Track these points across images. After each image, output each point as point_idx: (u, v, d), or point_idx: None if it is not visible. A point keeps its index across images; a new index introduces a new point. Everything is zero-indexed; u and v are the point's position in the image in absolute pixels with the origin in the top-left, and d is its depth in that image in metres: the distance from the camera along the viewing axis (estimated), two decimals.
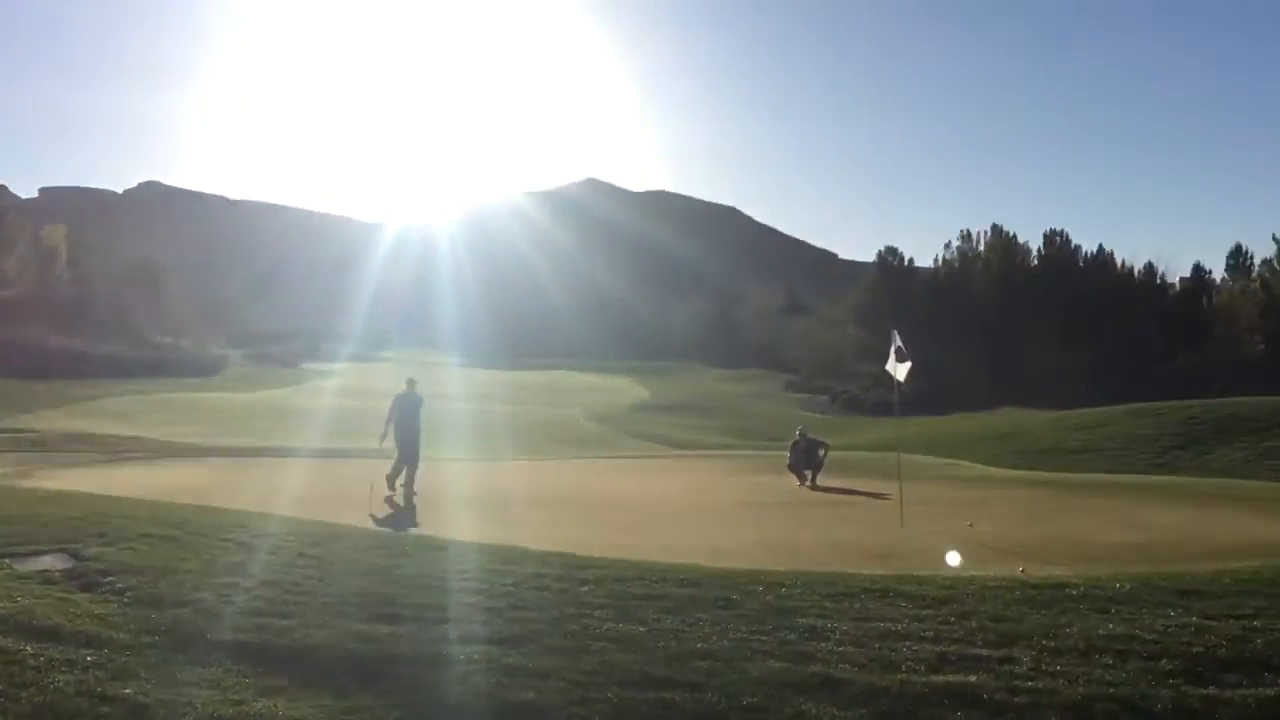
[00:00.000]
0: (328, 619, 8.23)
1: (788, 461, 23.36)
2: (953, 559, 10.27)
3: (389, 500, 17.88)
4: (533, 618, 8.34)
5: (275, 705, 6.57)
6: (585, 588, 9.39)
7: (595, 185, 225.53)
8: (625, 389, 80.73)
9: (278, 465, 25.29)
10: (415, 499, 18.23)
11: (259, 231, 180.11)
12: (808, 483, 22.25)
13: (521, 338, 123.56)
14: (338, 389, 64.89)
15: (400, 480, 18.86)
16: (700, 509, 17.69)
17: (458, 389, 65.76)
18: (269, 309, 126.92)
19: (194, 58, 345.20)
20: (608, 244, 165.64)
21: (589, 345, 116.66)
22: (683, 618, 8.40)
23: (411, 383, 20.09)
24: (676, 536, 14.43)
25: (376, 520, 15.40)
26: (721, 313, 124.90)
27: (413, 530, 13.20)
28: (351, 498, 18.18)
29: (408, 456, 19.08)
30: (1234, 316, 74.67)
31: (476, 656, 7.40)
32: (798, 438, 23.67)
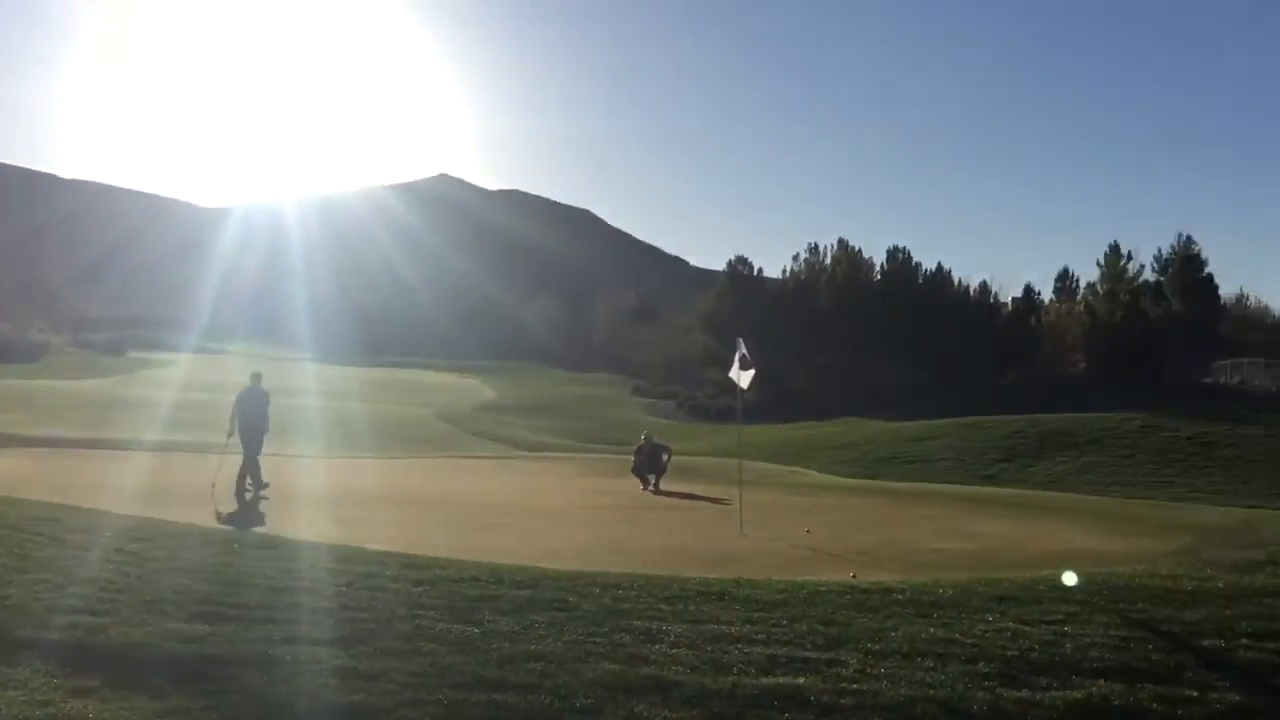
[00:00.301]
0: (145, 618, 7.89)
1: (632, 465, 23.51)
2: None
3: (240, 498, 17.22)
4: (364, 618, 8.16)
5: (86, 707, 6.26)
6: (420, 588, 9.25)
7: (449, 181, 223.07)
8: (475, 389, 79.92)
9: (104, 457, 24.17)
10: (263, 496, 17.63)
11: (92, 214, 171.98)
12: (651, 487, 22.43)
13: (377, 334, 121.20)
14: (178, 381, 62.40)
15: (249, 480, 18.19)
16: (542, 510, 17.65)
17: (309, 385, 64.08)
18: (102, 295, 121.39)
19: (22, 29, 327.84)
20: (463, 240, 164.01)
21: (446, 343, 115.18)
22: (518, 619, 8.35)
23: (257, 377, 19.29)
24: (516, 538, 14.36)
25: (219, 517, 14.88)
26: (573, 314, 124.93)
27: (247, 528, 12.77)
28: (181, 493, 17.52)
29: (252, 453, 18.41)
30: (1060, 336, 78.44)
31: (303, 657, 7.20)
32: (642, 441, 23.83)
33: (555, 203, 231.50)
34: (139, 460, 23.80)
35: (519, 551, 12.83)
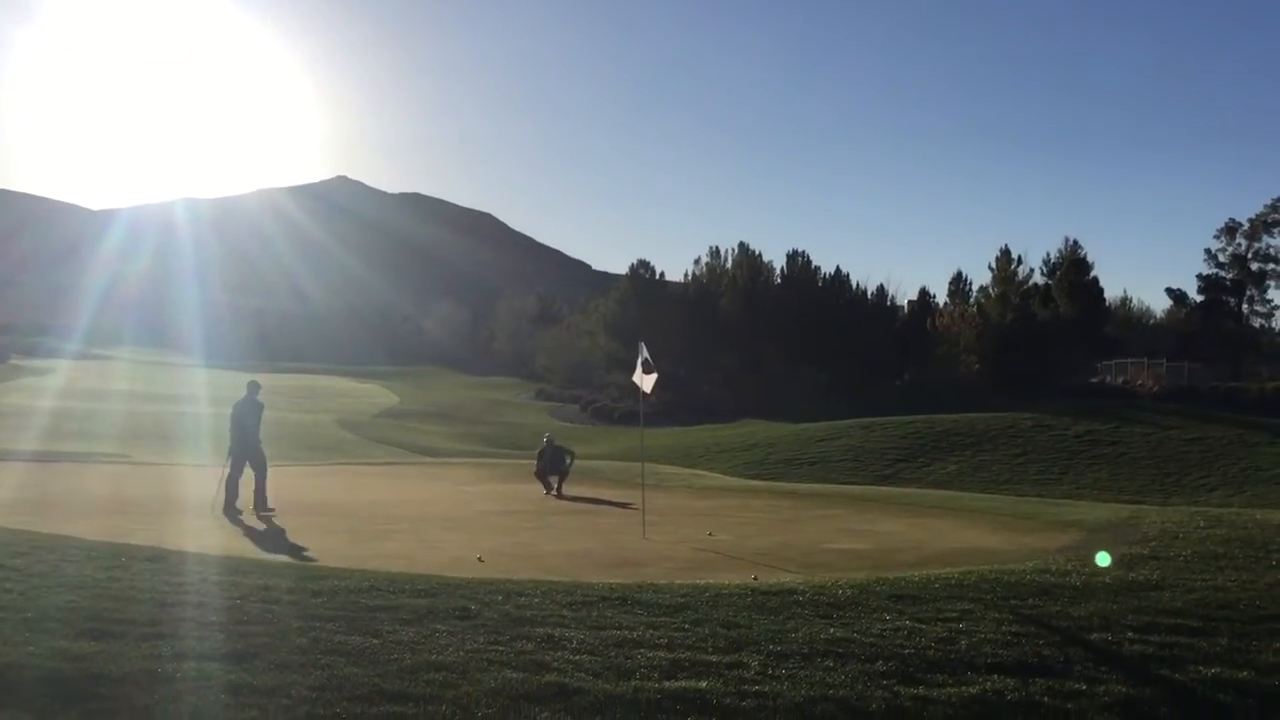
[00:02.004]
0: (27, 635, 7.59)
1: (535, 469, 23.43)
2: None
3: (266, 517, 16.75)
4: (258, 631, 7.97)
5: None
6: (318, 599, 9.07)
7: (347, 184, 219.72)
8: (376, 395, 78.88)
9: None
10: (266, 511, 17.23)
11: None
12: (554, 491, 22.38)
13: (273, 339, 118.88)
14: (59, 388, 60.39)
15: (227, 497, 17.71)
16: (444, 517, 17.46)
17: (203, 392, 62.47)
18: None
19: None
20: (362, 244, 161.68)
21: (344, 348, 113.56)
22: (419, 629, 8.24)
23: (253, 386, 18.71)
24: (417, 546, 14.20)
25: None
26: (475, 319, 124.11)
27: (131, 541, 12.38)
28: (63, 505, 16.95)
29: (257, 464, 18.01)
30: (954, 338, 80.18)
31: (194, 674, 6.99)
32: (544, 445, 23.77)
33: (456, 206, 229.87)
34: (18, 472, 22.94)
35: (419, 559, 12.68)
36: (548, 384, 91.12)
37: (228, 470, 18.03)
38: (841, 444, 43.93)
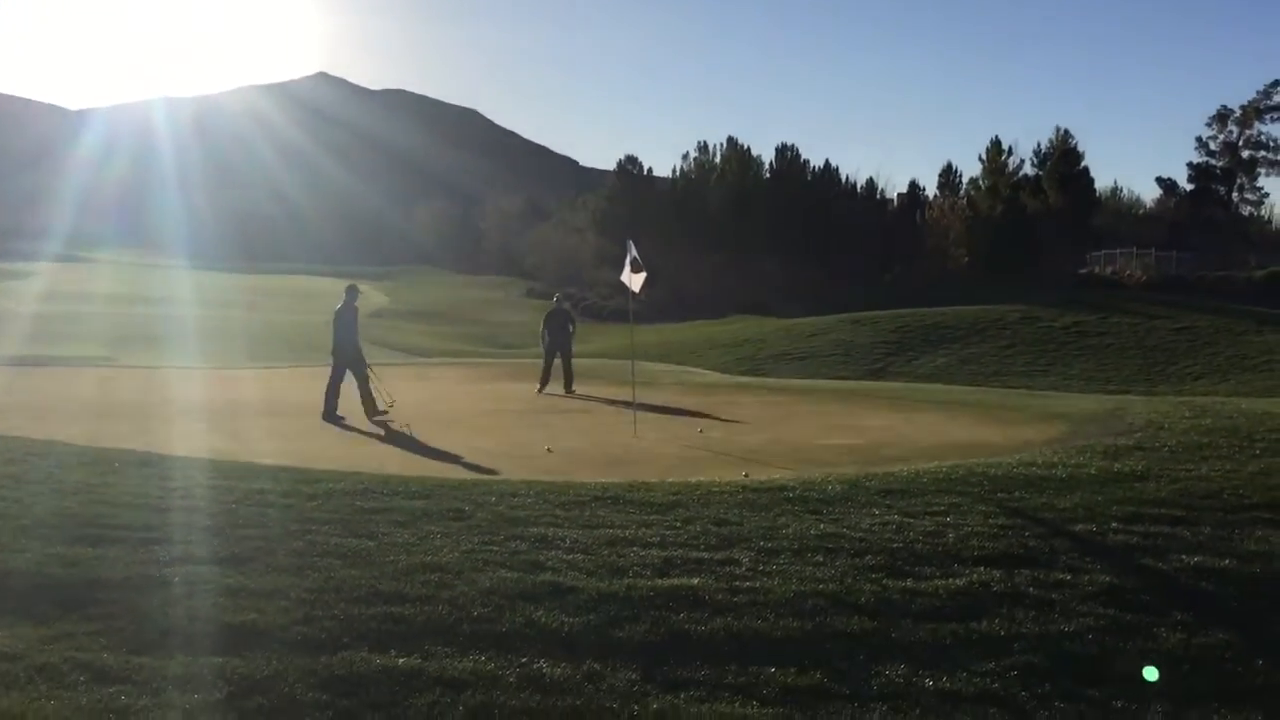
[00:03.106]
0: (24, 542, 7.66)
1: (541, 338, 23.11)
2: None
3: (378, 421, 16.85)
4: (255, 535, 8.05)
5: None
6: (313, 503, 9.15)
7: (328, 80, 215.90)
8: (366, 295, 78.55)
9: None
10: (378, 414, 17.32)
11: None
12: (545, 388, 22.33)
13: (254, 240, 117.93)
14: (40, 292, 59.96)
15: (376, 399, 17.76)
16: (437, 418, 17.54)
17: (188, 293, 62.19)
18: None
19: None
20: (343, 143, 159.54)
21: (325, 250, 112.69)
22: (413, 530, 8.33)
23: (352, 291, 18.48)
24: (411, 446, 14.28)
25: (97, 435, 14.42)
26: (463, 217, 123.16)
27: (124, 445, 12.42)
28: (51, 409, 16.97)
29: (358, 370, 17.91)
30: (944, 231, 79.87)
31: (192, 578, 7.08)
32: (554, 304, 23.59)
33: (440, 102, 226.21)
34: (5, 376, 22.88)
35: (413, 461, 12.77)
36: (537, 282, 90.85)
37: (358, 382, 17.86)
38: (831, 339, 44.08)
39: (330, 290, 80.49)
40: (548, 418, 18.21)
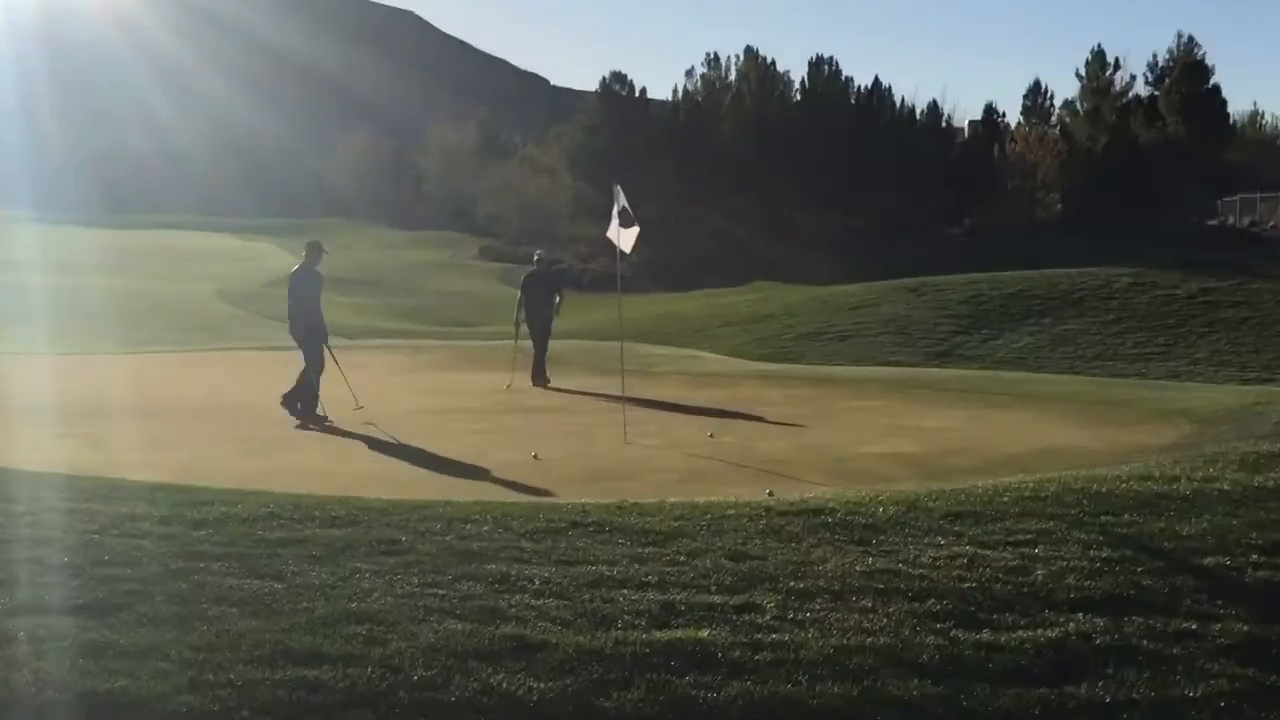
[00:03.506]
0: None
1: (516, 311, 22.98)
2: None
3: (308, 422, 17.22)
4: (125, 576, 8.03)
5: None
6: (201, 532, 9.14)
7: None
8: (268, 256, 78.31)
9: None
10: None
11: None
12: (516, 380, 22.17)
13: (120, 186, 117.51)
14: None
15: (308, 402, 17.99)
16: (364, 420, 17.51)
17: (33, 255, 61.87)
18: None
19: None
20: (238, 58, 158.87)
21: (216, 197, 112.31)
22: (334, 568, 8.32)
23: (315, 250, 18.87)
24: (330, 458, 14.26)
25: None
26: (395, 155, 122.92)
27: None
28: None
29: (312, 352, 18.24)
30: (1030, 169, 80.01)
31: (42, 633, 7.05)
32: (534, 264, 23.42)
33: (367, 3, 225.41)
34: None
35: (333, 477, 12.75)
36: (495, 239, 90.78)
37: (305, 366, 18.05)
38: (882, 312, 44.06)
39: (223, 251, 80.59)
40: (508, 419, 18.19)
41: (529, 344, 22.65)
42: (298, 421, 17.43)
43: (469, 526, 9.43)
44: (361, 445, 15.40)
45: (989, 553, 8.90)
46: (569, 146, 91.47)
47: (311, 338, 18.23)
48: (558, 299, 22.97)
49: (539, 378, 22.33)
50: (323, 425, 17.21)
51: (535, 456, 14.25)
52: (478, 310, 57.18)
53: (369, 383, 23.14)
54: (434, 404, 19.81)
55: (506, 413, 18.90)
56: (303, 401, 17.77)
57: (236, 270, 67.77)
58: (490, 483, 12.41)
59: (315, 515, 9.70)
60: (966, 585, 8.22)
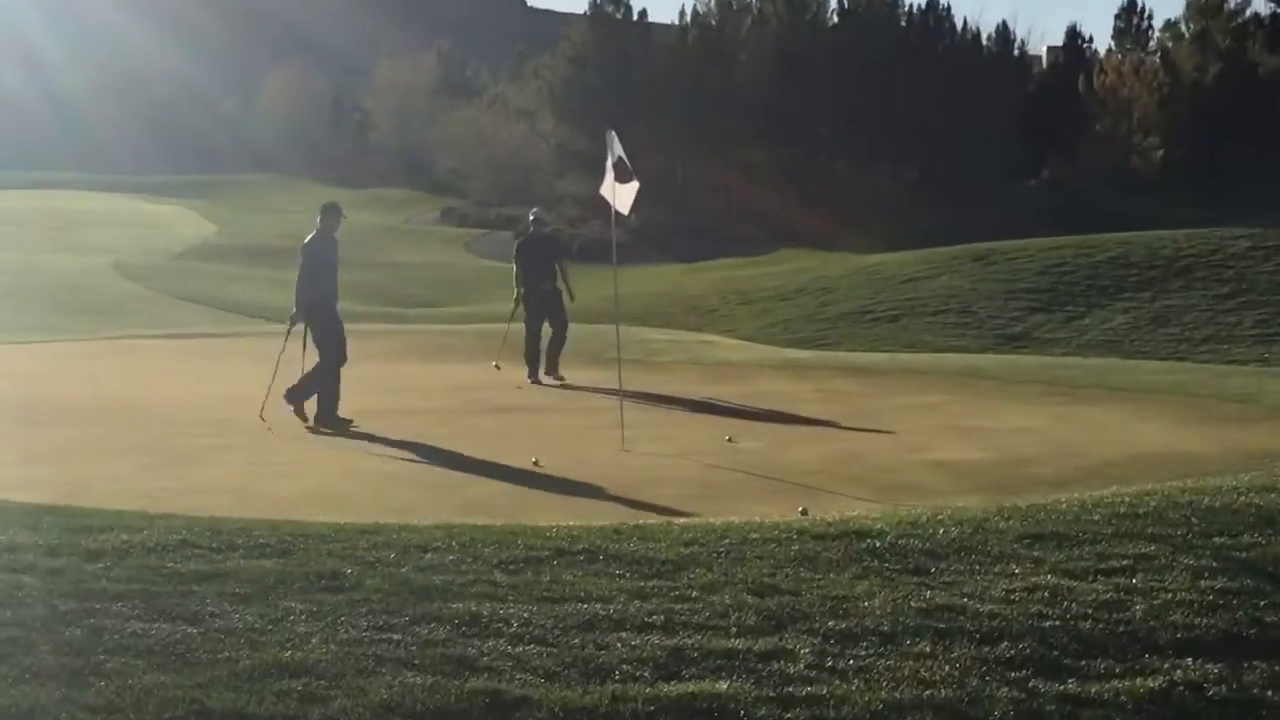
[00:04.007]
0: None
1: (515, 287, 22.84)
2: None
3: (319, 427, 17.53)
4: (4, 620, 8.03)
5: None
6: (98, 565, 9.12)
7: None
8: (178, 222, 78.43)
9: None
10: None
11: None
12: (548, 377, 21.98)
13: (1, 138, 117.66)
14: None
15: (327, 400, 18.11)
16: (294, 426, 17.51)
17: None
18: None
19: None
20: None
21: (116, 150, 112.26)
22: (263, 609, 8.30)
23: (332, 212, 18.96)
24: (253, 473, 14.25)
25: None
26: (335, 97, 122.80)
27: None
28: None
29: (329, 337, 18.32)
30: (1123, 107, 79.91)
31: None
32: (529, 227, 23.22)
33: None
34: None
35: (260, 495, 12.74)
36: (460, 199, 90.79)
37: (306, 354, 18.19)
38: (940, 285, 44.06)
39: (121, 216, 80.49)
40: (478, 421, 18.19)
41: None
42: (307, 422, 17.64)
43: (430, 555, 9.42)
44: (297, 456, 15.38)
45: (1075, 583, 8.89)
46: (551, 84, 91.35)
47: (330, 322, 18.28)
48: (563, 267, 22.76)
49: (537, 369, 22.17)
50: (348, 431, 17.33)
51: (536, 463, 14.34)
52: (440, 288, 57.28)
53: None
54: (386, 404, 19.79)
55: (476, 413, 18.89)
56: (321, 402, 17.84)
57: (138, 239, 67.78)
58: (457, 501, 12.39)
59: (239, 543, 9.68)
60: (1047, 624, 8.21)
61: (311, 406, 17.82)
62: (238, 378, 20.89)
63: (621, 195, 16.84)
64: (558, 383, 22.07)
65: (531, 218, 23.94)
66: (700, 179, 73.89)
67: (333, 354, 18.11)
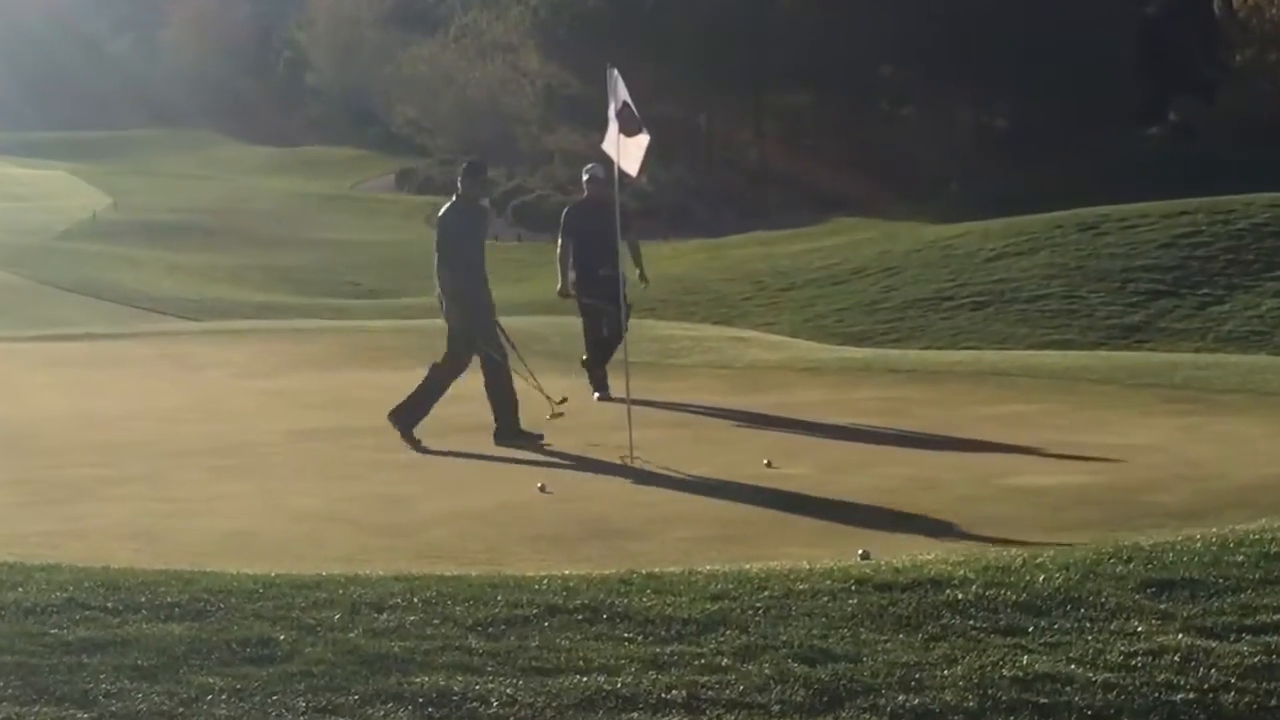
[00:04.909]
0: None
1: (563, 274, 21.87)
2: None
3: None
4: None
5: None
6: None
7: None
8: (61, 191, 78.60)
9: None
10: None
11: None
12: (608, 393, 21.35)
13: None
14: None
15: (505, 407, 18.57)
16: (218, 450, 17.56)
17: None
18: None
19: None
20: None
21: None
22: (171, 686, 8.31)
23: (475, 174, 19.14)
24: (159, 511, 14.28)
25: None
26: (261, 31, 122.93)
27: None
28: None
29: (485, 337, 18.69)
30: (1271, 34, 79.84)
31: None
32: (586, 185, 21.74)
33: None
34: None
35: (168, 540, 12.75)
36: (421, 158, 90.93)
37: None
38: (1038, 264, 44.06)
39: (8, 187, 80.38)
40: (440, 443, 18.20)
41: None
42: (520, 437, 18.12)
43: (385, 616, 9.42)
44: (215, 489, 15.41)
45: (1214, 644, 8.88)
46: (536, 9, 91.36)
47: (472, 312, 18.56)
48: (629, 236, 21.74)
49: (606, 380, 21.68)
50: (420, 449, 17.76)
51: (543, 488, 14.55)
52: (394, 272, 57.39)
53: (221, 389, 23.19)
54: (327, 422, 19.86)
55: (439, 434, 18.86)
56: (500, 416, 18.35)
57: (7, 214, 67.97)
58: (418, 546, 12.40)
59: (142, 601, 9.69)
60: (1179, 697, 8.21)
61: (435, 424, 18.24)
62: (137, 390, 20.95)
63: (628, 151, 16.86)
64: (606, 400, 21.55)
65: (586, 177, 22.14)
66: (727, 131, 73.94)
67: (460, 352, 18.55)
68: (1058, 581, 9.93)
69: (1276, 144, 66.49)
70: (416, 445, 17.93)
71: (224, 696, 8.21)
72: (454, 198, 18.71)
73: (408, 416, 18.22)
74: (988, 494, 14.33)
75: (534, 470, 16.24)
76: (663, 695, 8.22)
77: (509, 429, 18.10)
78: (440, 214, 18.94)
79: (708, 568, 10.71)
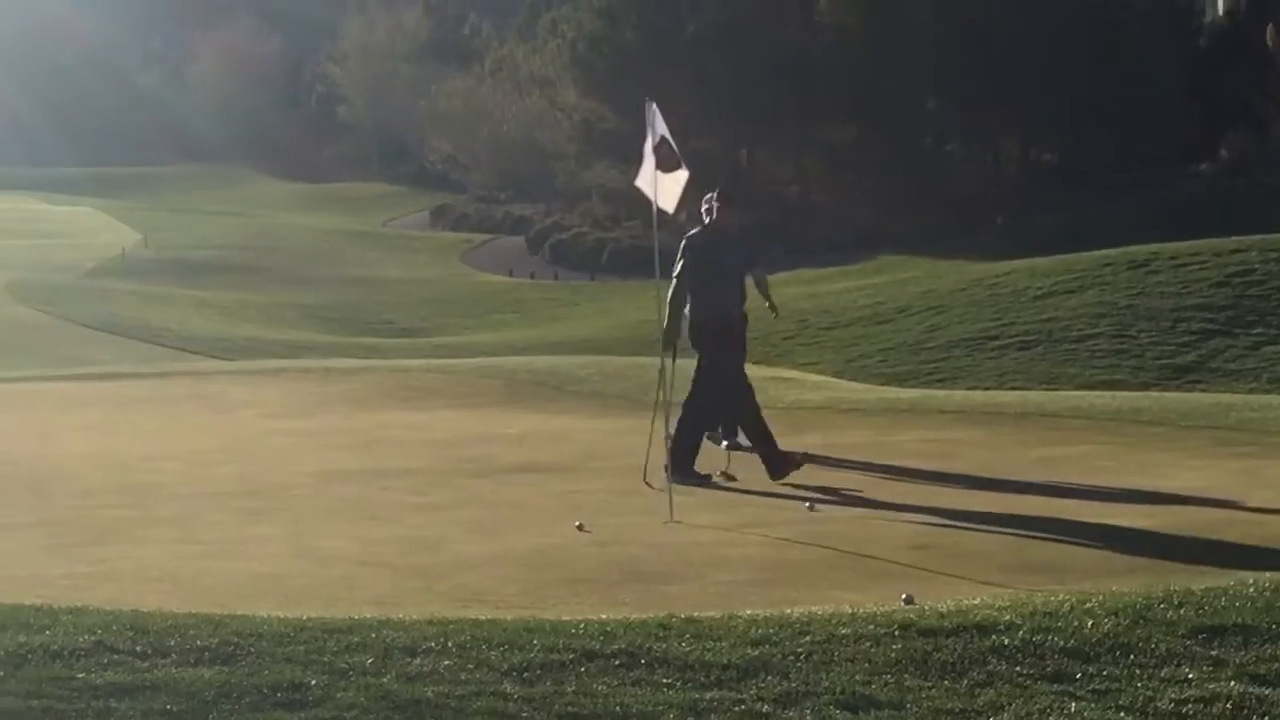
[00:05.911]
0: None
1: (670, 321, 19.11)
2: None
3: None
4: None
5: None
6: None
7: None
8: (90, 229, 78.75)
9: None
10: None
11: None
12: (731, 443, 20.43)
13: None
14: None
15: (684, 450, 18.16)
16: (248, 491, 17.59)
17: None
18: None
19: None
20: None
21: (12, 137, 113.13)
22: None
23: (714, 208, 18.69)
24: (188, 554, 14.29)
25: None
26: (294, 65, 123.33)
27: None
28: None
29: (732, 383, 18.69)
30: None
31: None
32: (707, 211, 18.90)
33: None
34: None
35: (197, 583, 12.76)
36: (455, 194, 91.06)
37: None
38: (1087, 302, 43.97)
39: (16, 222, 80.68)
40: (476, 486, 18.20)
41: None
42: (734, 481, 17.98)
43: (419, 660, 9.42)
44: (246, 531, 15.42)
45: (1267, 691, 8.85)
46: (574, 42, 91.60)
47: (720, 348, 18.47)
48: (761, 270, 21.10)
49: (730, 436, 20.35)
50: (704, 483, 17.68)
51: (580, 527, 14.61)
52: (428, 311, 57.41)
53: (252, 429, 23.21)
54: (358, 463, 19.86)
55: (473, 476, 18.91)
56: (676, 449, 17.72)
57: (36, 252, 68.12)
58: (451, 589, 12.40)
59: (171, 645, 9.70)
60: None
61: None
62: (166, 431, 20.99)
63: (665, 187, 16.85)
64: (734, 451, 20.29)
65: (705, 207, 19.10)
66: (768, 166, 73.94)
67: (710, 386, 18.48)
68: (1107, 627, 9.91)
69: None
70: (704, 481, 17.80)
71: None
72: (704, 225, 18.57)
73: (677, 455, 17.65)
74: (1035, 537, 14.30)
75: (571, 512, 16.23)
76: None
77: (682, 467, 17.59)
78: (688, 236, 18.57)
79: (748, 612, 10.69)
